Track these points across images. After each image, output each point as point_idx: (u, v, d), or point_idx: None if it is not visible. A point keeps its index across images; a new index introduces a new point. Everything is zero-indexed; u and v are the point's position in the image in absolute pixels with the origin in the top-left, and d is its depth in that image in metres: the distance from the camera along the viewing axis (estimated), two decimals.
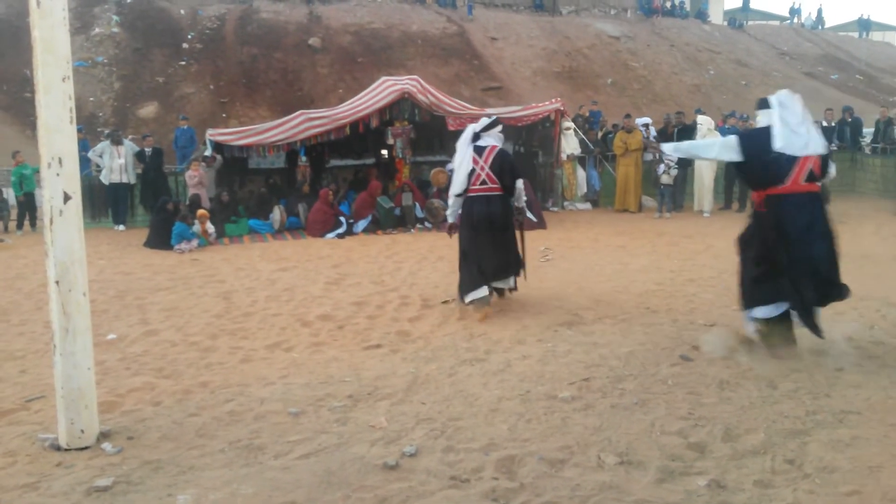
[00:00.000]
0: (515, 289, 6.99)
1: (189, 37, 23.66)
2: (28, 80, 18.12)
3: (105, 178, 13.21)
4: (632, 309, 6.71)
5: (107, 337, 6.20)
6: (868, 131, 16.94)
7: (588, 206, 14.97)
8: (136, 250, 11.17)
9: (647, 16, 33.30)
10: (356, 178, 14.63)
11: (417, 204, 12.88)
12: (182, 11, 24.65)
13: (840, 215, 12.37)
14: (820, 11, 43.57)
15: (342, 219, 12.43)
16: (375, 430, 4.05)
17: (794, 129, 5.05)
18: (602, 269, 8.77)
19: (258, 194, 13.89)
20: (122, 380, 5.09)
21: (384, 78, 13.79)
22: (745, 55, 31.84)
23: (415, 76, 13.99)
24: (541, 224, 12.30)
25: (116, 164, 13.14)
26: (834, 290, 5.10)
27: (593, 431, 3.93)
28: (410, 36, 26.07)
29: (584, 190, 15.07)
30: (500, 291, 6.93)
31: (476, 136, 6.71)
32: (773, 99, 5.22)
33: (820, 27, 42.35)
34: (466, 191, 6.64)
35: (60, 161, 3.78)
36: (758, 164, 5.13)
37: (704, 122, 13.79)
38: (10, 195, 13.62)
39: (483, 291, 6.55)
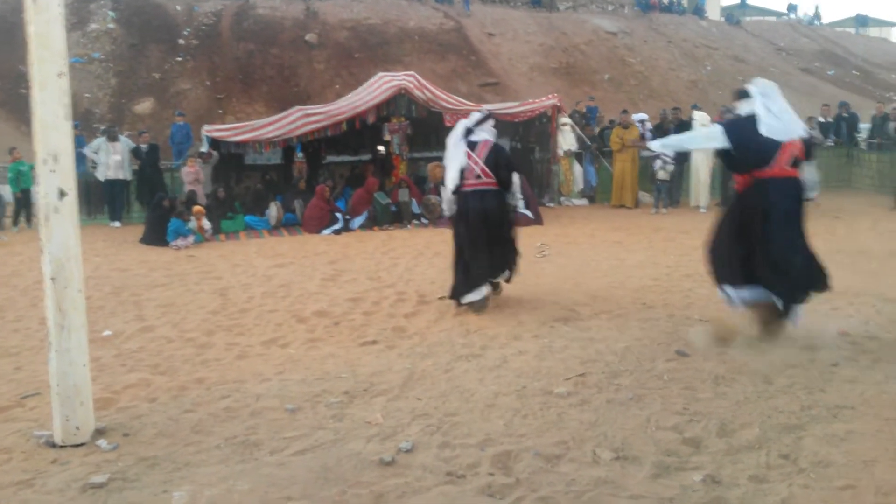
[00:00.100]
0: (510, 280, 6.87)
1: (185, 33, 23.58)
2: (23, 76, 18.03)
3: (101, 174, 13.17)
4: (628, 304, 6.72)
5: (102, 333, 6.19)
6: (864, 127, 16.96)
7: (585, 201, 14.99)
8: (131, 247, 11.15)
9: (645, 11, 33.27)
10: (353, 174, 14.62)
11: (414, 200, 12.88)
12: (178, 7, 24.56)
13: (836, 211, 12.54)
14: (817, 7, 43.72)
15: (339, 215, 12.42)
16: (371, 426, 4.06)
17: (778, 115, 5.21)
18: (598, 264, 8.78)
19: (254, 190, 13.88)
20: (117, 376, 5.09)
21: (381, 74, 13.78)
22: (742, 51, 31.83)
23: (411, 72, 13.99)
24: (537, 220, 12.31)
25: (112, 160, 13.10)
26: (815, 275, 5.27)
27: (589, 427, 3.94)
28: (407, 31, 26.02)
29: (581, 186, 15.09)
30: (495, 285, 6.83)
31: (468, 132, 6.66)
32: (753, 88, 5.35)
33: (817, 23, 42.38)
34: (461, 187, 6.58)
35: (56, 157, 3.77)
36: (744, 150, 5.27)
37: (700, 117, 13.81)
38: (6, 192, 13.57)
39: (480, 293, 6.47)
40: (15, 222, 13.02)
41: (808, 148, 5.33)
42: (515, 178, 6.71)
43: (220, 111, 20.77)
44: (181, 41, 23.23)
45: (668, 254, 9.37)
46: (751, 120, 5.23)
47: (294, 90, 22.10)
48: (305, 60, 23.58)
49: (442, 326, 6.20)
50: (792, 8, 42.51)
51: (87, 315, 4.07)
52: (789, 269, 5.13)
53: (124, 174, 13.29)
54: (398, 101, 12.85)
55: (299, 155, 13.68)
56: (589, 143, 15.16)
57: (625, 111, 15.38)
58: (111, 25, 23.02)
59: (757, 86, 5.36)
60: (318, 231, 12.05)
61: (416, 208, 12.85)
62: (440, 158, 13.34)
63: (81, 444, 3.85)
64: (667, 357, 5.09)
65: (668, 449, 3.63)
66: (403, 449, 3.70)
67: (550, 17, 30.18)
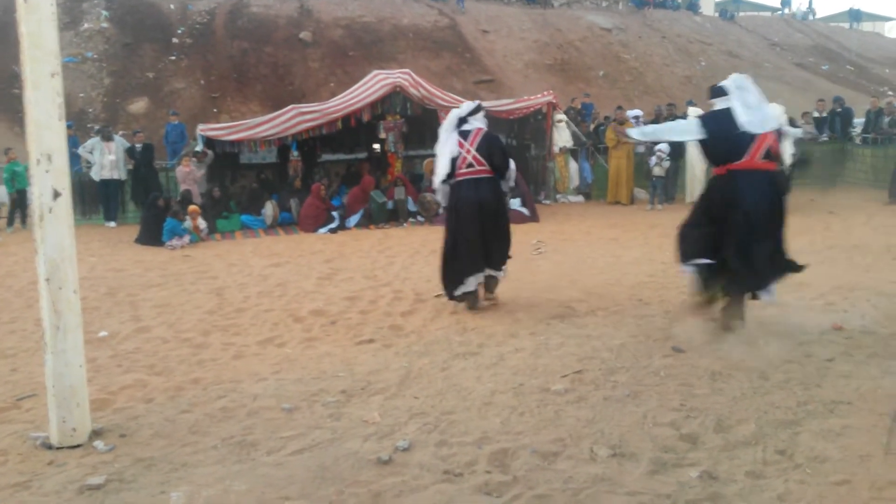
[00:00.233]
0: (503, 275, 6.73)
1: (179, 31, 23.52)
2: (16, 76, 17.98)
3: (95, 174, 13.15)
4: (624, 301, 6.73)
5: (98, 334, 6.17)
6: (859, 121, 16.99)
7: (580, 198, 14.99)
8: (127, 247, 11.13)
9: (639, 7, 33.32)
10: (348, 172, 14.61)
11: (410, 198, 12.87)
12: (172, 6, 24.50)
13: (831, 206, 12.57)
14: (811, 2, 43.90)
15: (334, 213, 12.41)
16: (369, 424, 4.06)
17: (754, 108, 5.30)
18: (594, 261, 8.79)
19: (250, 189, 13.86)
20: (113, 377, 5.08)
21: (376, 72, 13.76)
22: (737, 46, 31.89)
23: (406, 70, 13.97)
24: (533, 217, 12.31)
25: (107, 160, 13.08)
26: (781, 263, 5.34)
27: (586, 424, 3.94)
28: (402, 29, 26.00)
29: (577, 182, 15.09)
30: (490, 286, 6.67)
31: (460, 122, 6.56)
32: (729, 84, 5.43)
33: (811, 18, 42.45)
34: (453, 175, 6.45)
35: (50, 157, 3.75)
36: (720, 142, 5.37)
37: (695, 113, 13.78)
38: (1, 192, 13.54)
39: (471, 285, 6.37)
40: (10, 223, 12.98)
41: (780, 138, 5.46)
42: (511, 164, 6.57)
43: (215, 110, 20.73)
44: (175, 40, 23.17)
45: (663, 250, 9.35)
46: (727, 113, 5.33)
47: (289, 88, 22.07)
48: (300, 59, 23.54)
49: (439, 324, 6.19)
50: (786, 3, 42.58)
51: (83, 316, 4.06)
52: (753, 259, 5.22)
53: (119, 174, 13.28)
54: (393, 99, 12.83)
55: (294, 153, 13.66)
56: (584, 139, 15.16)
57: (619, 107, 15.39)
58: (104, 25, 22.95)
59: (732, 81, 5.45)
60: (315, 230, 12.04)
61: (412, 206, 12.84)
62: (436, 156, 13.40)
63: (78, 446, 3.84)
64: (663, 353, 5.10)
65: (665, 445, 3.64)
66: (401, 447, 3.70)
67: (545, 14, 30.19)
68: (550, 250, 9.62)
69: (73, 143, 13.27)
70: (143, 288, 8.13)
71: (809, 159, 11.85)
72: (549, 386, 4.54)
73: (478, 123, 6.57)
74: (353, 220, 12.45)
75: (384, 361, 5.23)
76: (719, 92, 5.47)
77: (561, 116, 14.64)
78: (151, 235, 11.23)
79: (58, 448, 3.83)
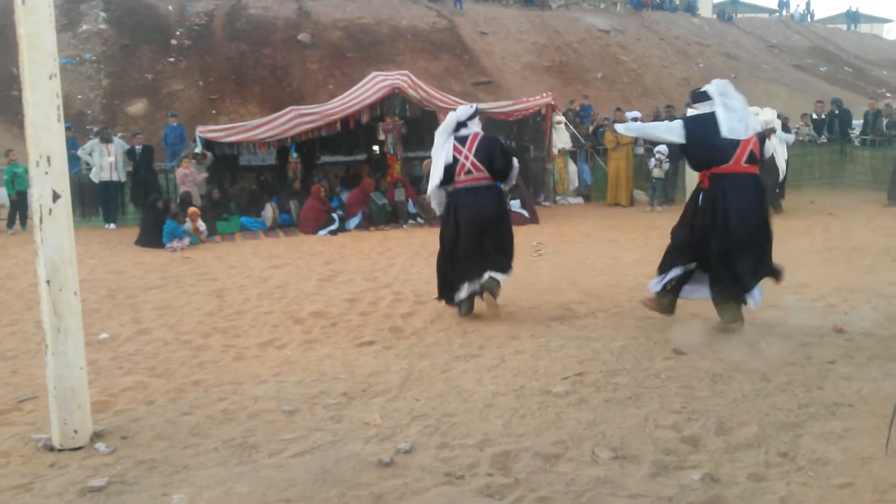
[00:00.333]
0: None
1: (177, 33, 23.51)
2: (15, 77, 17.98)
3: (95, 176, 13.14)
4: (624, 303, 6.73)
5: (99, 336, 6.16)
6: (857, 123, 17.01)
7: (580, 200, 14.99)
8: (126, 249, 11.12)
9: (637, 9, 33.33)
10: (348, 174, 14.59)
11: (410, 200, 12.87)
12: (170, 7, 24.48)
13: (830, 207, 12.58)
14: (808, 4, 43.81)
15: (334, 215, 12.40)
16: (370, 427, 4.05)
17: (738, 114, 5.35)
18: (594, 263, 8.79)
19: (249, 191, 13.85)
20: (114, 379, 5.07)
21: (374, 73, 13.76)
22: (735, 48, 31.90)
23: (405, 71, 13.97)
24: (533, 219, 12.31)
25: (106, 162, 13.07)
26: (764, 266, 5.39)
27: (587, 426, 3.94)
28: (400, 31, 26.00)
29: (576, 184, 15.09)
30: (494, 291, 6.37)
31: (458, 127, 6.39)
32: (712, 90, 5.48)
33: (809, 19, 42.49)
34: (450, 182, 6.31)
35: (49, 159, 3.75)
36: (703, 147, 5.43)
37: None
38: (1, 194, 13.52)
39: (465, 292, 6.21)
40: (10, 224, 12.97)
41: (762, 143, 5.50)
42: (515, 162, 6.42)
43: (214, 112, 20.72)
44: (173, 42, 23.16)
45: (663, 252, 9.36)
46: (711, 117, 5.36)
47: (287, 90, 22.07)
48: (298, 60, 23.54)
49: (439, 326, 6.19)
50: (784, 4, 42.62)
51: (83, 318, 4.06)
52: (737, 267, 5.27)
53: (118, 176, 13.27)
54: (392, 101, 12.83)
55: (294, 155, 13.64)
56: (583, 141, 15.17)
57: (618, 109, 15.40)
58: (102, 26, 22.93)
59: (715, 87, 5.49)
60: (314, 232, 12.03)
61: (411, 208, 12.84)
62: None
63: (79, 448, 3.84)
64: (664, 355, 5.10)
65: (667, 448, 3.64)
66: (402, 450, 3.70)
67: (543, 16, 30.20)
68: (550, 252, 9.62)
69: (73, 144, 13.24)
70: (143, 290, 8.12)
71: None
72: (550, 388, 4.54)
73: (475, 128, 6.43)
74: (353, 222, 12.45)
75: (385, 363, 5.22)
76: (702, 97, 5.52)
77: (560, 118, 14.65)
78: (151, 237, 11.22)
79: (59, 450, 3.82)
